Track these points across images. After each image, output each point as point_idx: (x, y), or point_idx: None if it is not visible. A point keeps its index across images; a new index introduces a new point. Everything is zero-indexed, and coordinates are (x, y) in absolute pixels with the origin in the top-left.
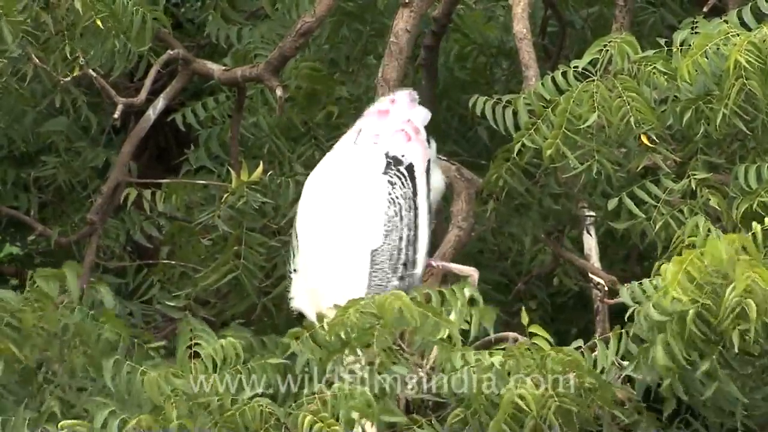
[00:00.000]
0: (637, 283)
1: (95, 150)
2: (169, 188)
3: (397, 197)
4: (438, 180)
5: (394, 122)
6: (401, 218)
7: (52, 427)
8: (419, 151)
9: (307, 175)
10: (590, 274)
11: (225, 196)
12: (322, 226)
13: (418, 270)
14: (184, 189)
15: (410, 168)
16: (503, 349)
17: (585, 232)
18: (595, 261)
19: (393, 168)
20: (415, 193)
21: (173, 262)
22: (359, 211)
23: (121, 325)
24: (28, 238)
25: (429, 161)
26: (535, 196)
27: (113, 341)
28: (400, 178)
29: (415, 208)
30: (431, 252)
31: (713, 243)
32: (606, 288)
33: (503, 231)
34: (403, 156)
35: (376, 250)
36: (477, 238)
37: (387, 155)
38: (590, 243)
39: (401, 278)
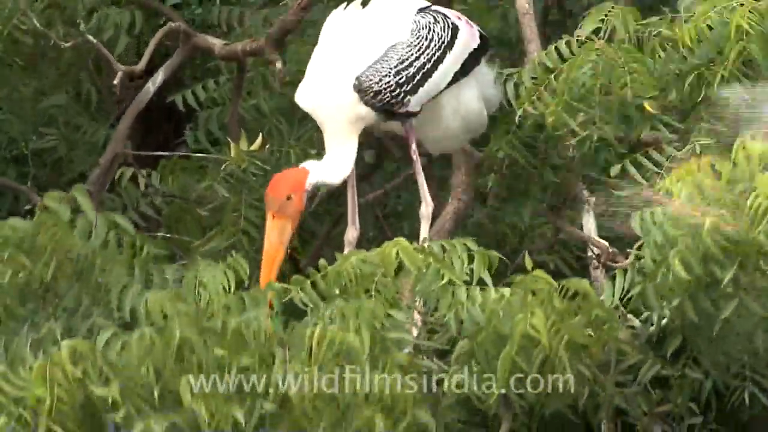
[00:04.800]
0: (648, 211)
1: (95, 125)
2: (165, 168)
3: (431, 25)
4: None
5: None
6: (428, 41)
7: (55, 349)
8: (466, 29)
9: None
10: (590, 242)
11: (225, 164)
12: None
13: (413, 103)
14: (182, 171)
15: (454, 27)
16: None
17: (585, 211)
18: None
19: (437, 13)
20: (449, 45)
21: (170, 235)
22: (390, 17)
23: (143, 238)
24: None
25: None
26: (536, 166)
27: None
28: (439, 21)
29: (442, 53)
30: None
31: (738, 151)
32: (609, 250)
33: (501, 219)
34: (448, 16)
35: (393, 45)
36: (475, 224)
37: (436, 10)
38: (589, 223)
39: (399, 84)
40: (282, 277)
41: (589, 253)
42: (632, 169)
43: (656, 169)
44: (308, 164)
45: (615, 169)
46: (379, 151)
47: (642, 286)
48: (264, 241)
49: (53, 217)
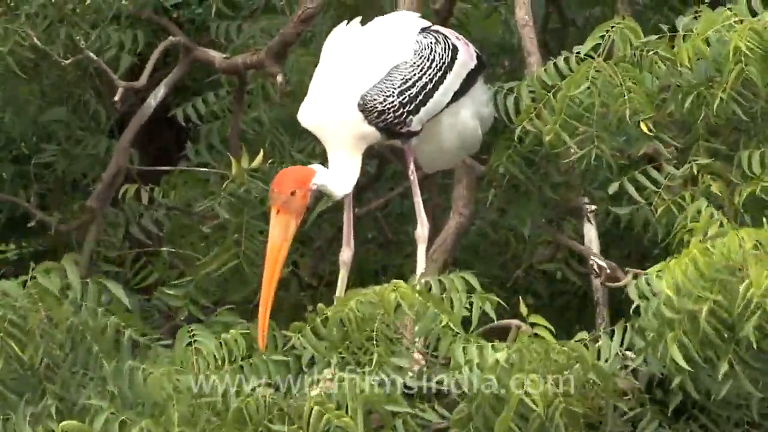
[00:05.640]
0: (643, 277)
1: (98, 137)
2: (168, 183)
3: (433, 46)
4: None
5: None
6: (430, 62)
7: (54, 425)
8: (464, 49)
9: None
10: (591, 258)
11: (226, 183)
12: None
13: (415, 123)
14: (184, 185)
15: (454, 47)
16: (505, 336)
17: (585, 222)
18: (596, 251)
19: (437, 33)
20: (449, 65)
21: (173, 249)
22: (393, 36)
23: (129, 319)
24: (28, 238)
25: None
26: (536, 183)
27: (118, 338)
28: (440, 41)
29: (443, 73)
30: (433, 237)
31: (731, 237)
32: (607, 270)
33: (503, 226)
34: (448, 36)
35: (397, 65)
36: (477, 232)
37: (437, 30)
38: (590, 233)
39: (402, 105)
40: (283, 282)
41: (590, 263)
42: (630, 187)
43: (654, 188)
44: (315, 166)
45: (613, 187)
46: (381, 161)
47: (644, 354)
48: (267, 241)
49: (43, 290)
